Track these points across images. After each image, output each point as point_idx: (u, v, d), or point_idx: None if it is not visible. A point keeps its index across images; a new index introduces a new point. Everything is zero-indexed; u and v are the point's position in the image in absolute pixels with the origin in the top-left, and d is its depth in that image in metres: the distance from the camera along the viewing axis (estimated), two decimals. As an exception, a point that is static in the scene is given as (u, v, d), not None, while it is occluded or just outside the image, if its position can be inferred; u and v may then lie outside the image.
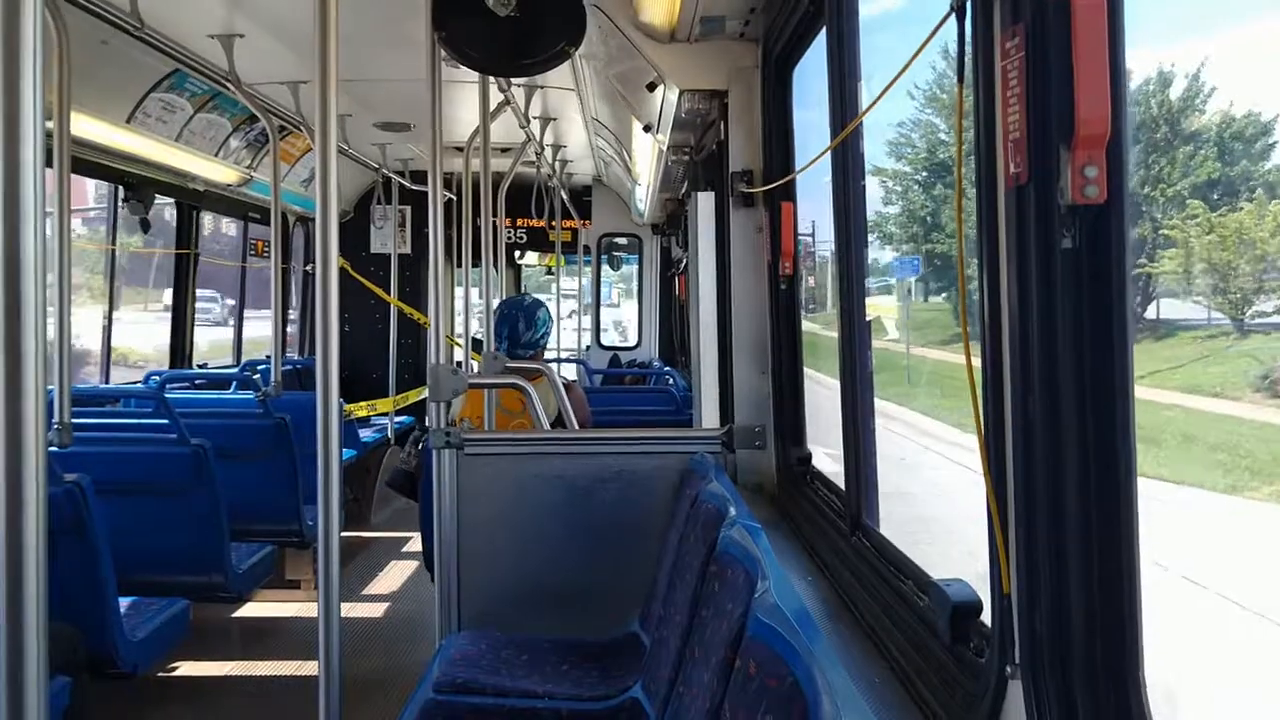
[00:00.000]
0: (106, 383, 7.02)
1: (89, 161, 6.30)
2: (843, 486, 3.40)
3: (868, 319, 3.41)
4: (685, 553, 3.48)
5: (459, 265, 7.47)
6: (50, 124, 4.54)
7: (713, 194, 4.67)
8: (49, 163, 4.63)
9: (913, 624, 2.45)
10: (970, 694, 2.04)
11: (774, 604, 2.19)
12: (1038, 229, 1.67)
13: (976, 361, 1.93)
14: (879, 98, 2.49)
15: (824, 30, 3.32)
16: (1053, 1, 1.61)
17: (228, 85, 6.05)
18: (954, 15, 1.88)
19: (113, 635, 4.32)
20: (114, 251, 7.33)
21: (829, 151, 3.23)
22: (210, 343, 10.98)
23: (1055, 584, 1.73)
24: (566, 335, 11.93)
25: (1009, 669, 1.84)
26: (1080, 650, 1.71)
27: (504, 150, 8.30)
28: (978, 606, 2.10)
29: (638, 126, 6.19)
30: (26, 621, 2.07)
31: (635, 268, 12.72)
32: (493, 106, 5.52)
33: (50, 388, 4.74)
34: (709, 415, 4.66)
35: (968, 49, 1.89)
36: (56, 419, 4.32)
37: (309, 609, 6.68)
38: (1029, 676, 1.78)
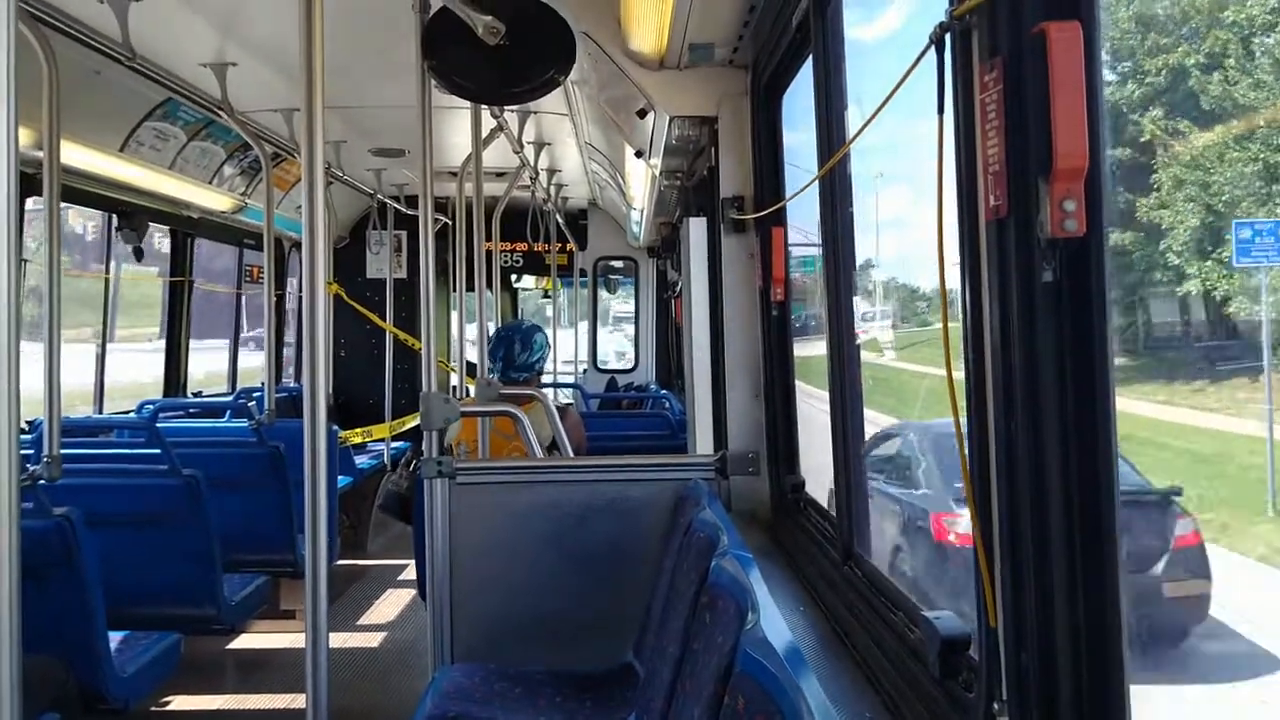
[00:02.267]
0: (100, 413, 6.99)
1: (82, 191, 6.31)
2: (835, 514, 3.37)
3: (858, 343, 3.40)
4: (678, 582, 3.45)
5: (454, 290, 7.46)
6: (40, 154, 4.54)
7: (704, 220, 4.67)
8: (38, 191, 4.63)
9: (904, 656, 2.42)
10: (960, 730, 2.01)
11: (763, 638, 2.17)
12: (1019, 262, 1.66)
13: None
14: (863, 127, 2.49)
15: (811, 58, 3.32)
16: (1030, 35, 1.61)
17: (220, 113, 6.06)
18: (934, 47, 1.88)
19: (103, 670, 4.28)
20: (109, 281, 7.33)
21: (818, 179, 3.23)
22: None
23: (1041, 619, 1.71)
24: (564, 359, 11.93)
25: (996, 706, 1.82)
26: (1067, 687, 1.68)
27: (499, 175, 8.32)
28: (966, 640, 2.07)
29: (630, 151, 6.20)
30: (2, 657, 2.05)
31: (632, 290, 12.73)
32: (486, 132, 5.53)
33: (39, 419, 4.73)
34: (703, 441, 4.64)
35: (948, 81, 1.88)
36: (46, 451, 4.29)
37: (304, 640, 6.60)
38: (1016, 714, 1.76)
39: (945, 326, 1.84)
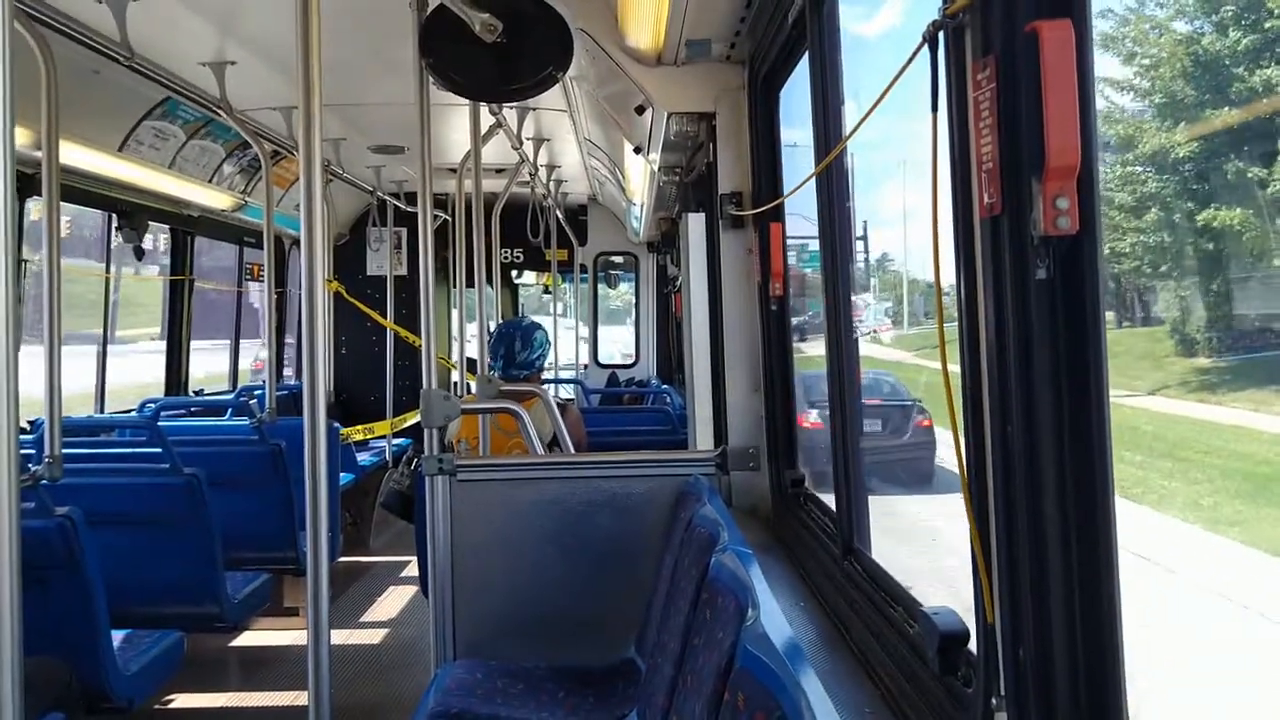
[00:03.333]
0: (101, 412, 7.00)
1: (82, 190, 6.31)
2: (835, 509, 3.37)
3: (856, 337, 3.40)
4: (679, 578, 3.46)
5: (454, 286, 7.46)
6: (39, 154, 4.54)
7: (703, 215, 4.67)
8: (38, 192, 4.64)
9: (903, 652, 2.43)
10: (959, 725, 2.02)
11: (763, 633, 2.18)
12: (1013, 260, 1.67)
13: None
14: (859, 124, 2.49)
15: (808, 53, 3.32)
16: (1022, 33, 1.61)
17: (219, 112, 6.06)
18: (927, 45, 1.88)
19: (106, 669, 4.29)
20: (109, 280, 7.34)
21: (815, 174, 3.23)
22: None
23: (1038, 614, 1.71)
24: (565, 354, 11.93)
25: (994, 701, 1.83)
26: (1064, 682, 1.69)
27: (498, 171, 8.32)
28: (965, 636, 2.08)
29: (629, 147, 6.21)
30: (4, 657, 2.06)
31: (632, 285, 12.73)
32: (484, 129, 5.53)
33: (40, 419, 4.74)
34: (703, 437, 4.65)
35: (941, 79, 1.88)
36: (48, 451, 4.30)
37: (306, 637, 6.61)
38: (1014, 709, 1.76)
39: (940, 324, 1.84)
